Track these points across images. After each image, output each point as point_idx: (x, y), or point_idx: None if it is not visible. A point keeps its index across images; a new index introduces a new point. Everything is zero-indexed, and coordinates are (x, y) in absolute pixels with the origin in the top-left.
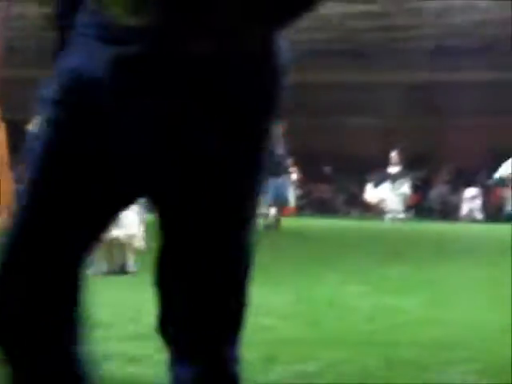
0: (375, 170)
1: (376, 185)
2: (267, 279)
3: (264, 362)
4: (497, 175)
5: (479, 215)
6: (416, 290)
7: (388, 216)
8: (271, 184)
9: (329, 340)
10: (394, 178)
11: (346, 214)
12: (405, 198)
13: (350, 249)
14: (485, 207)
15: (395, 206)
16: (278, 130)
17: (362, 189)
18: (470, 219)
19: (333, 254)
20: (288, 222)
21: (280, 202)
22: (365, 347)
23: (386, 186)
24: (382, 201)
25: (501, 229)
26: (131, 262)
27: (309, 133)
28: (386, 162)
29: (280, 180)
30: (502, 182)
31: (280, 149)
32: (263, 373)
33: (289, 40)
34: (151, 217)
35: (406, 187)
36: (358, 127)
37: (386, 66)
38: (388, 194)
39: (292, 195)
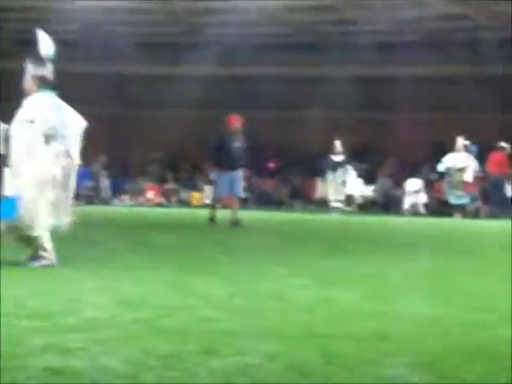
0: (320, 162)
1: (321, 175)
2: (209, 271)
3: (203, 354)
4: (440, 168)
5: (422, 209)
6: (357, 282)
7: (332, 209)
8: (226, 177)
9: (269, 332)
10: (336, 167)
11: (290, 207)
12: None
13: (293, 241)
14: (428, 201)
15: (339, 197)
16: (238, 123)
17: (306, 181)
18: (413, 212)
19: (275, 246)
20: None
21: (233, 195)
22: (304, 340)
23: (330, 177)
24: (326, 193)
25: (443, 222)
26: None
27: (253, 126)
28: (332, 150)
29: (235, 173)
30: (445, 175)
31: (238, 142)
32: (202, 365)
33: (237, 34)
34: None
35: (352, 178)
36: (304, 120)
37: (334, 60)
38: (332, 186)
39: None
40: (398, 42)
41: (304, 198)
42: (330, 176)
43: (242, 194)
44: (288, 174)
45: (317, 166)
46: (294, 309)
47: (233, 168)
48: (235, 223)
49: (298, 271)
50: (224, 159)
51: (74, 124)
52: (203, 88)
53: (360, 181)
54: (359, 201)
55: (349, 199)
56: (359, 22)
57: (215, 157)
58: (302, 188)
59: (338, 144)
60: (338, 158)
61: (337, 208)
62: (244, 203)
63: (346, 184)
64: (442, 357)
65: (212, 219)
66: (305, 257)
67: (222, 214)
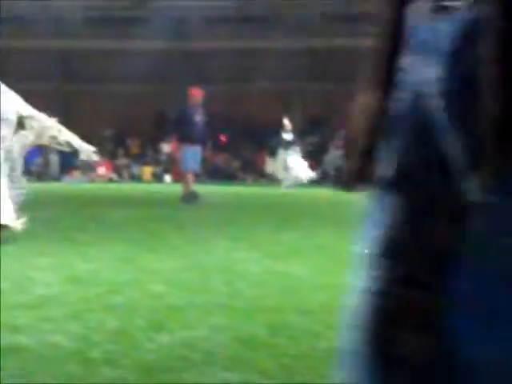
0: (271, 136)
1: (271, 152)
2: (158, 247)
3: (151, 329)
4: None
5: None
6: (306, 255)
7: (283, 183)
8: (189, 151)
9: (217, 306)
10: (287, 145)
11: (242, 181)
12: (299, 166)
13: (244, 215)
14: None
15: (290, 174)
16: (199, 97)
17: (257, 155)
18: None
19: (226, 221)
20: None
21: (195, 170)
22: (252, 312)
23: (280, 153)
24: (277, 169)
25: None
26: None
27: (203, 99)
28: (282, 128)
29: (197, 147)
30: None
31: (199, 116)
32: (150, 340)
33: (186, 7)
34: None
35: (298, 158)
36: (254, 93)
37: (281, 32)
38: (283, 163)
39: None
40: (348, 12)
41: (256, 171)
42: (280, 154)
43: (198, 170)
44: (239, 147)
45: (267, 140)
46: (242, 282)
47: (195, 142)
48: (188, 199)
49: (247, 245)
50: (187, 133)
51: (12, 107)
52: (152, 63)
53: (305, 163)
54: (304, 181)
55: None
56: None
57: (179, 131)
58: (253, 162)
59: (286, 122)
60: (289, 137)
61: (287, 182)
62: (196, 177)
63: (294, 165)
64: None
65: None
66: (255, 231)
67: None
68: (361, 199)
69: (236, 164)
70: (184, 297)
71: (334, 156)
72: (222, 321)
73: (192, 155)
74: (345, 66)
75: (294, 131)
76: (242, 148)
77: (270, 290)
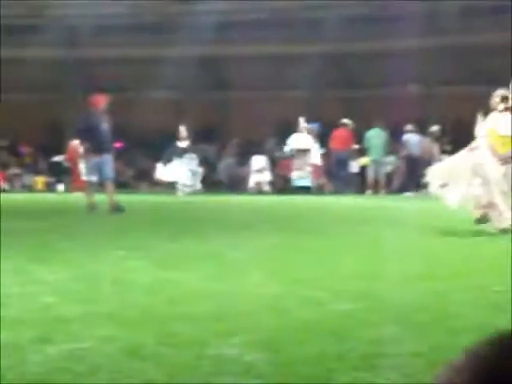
0: (165, 144)
1: (165, 161)
2: (50, 257)
3: (39, 341)
4: (286, 147)
5: (267, 187)
6: (197, 263)
7: (178, 191)
8: (96, 161)
9: (106, 316)
10: (183, 153)
11: (136, 189)
12: (194, 174)
13: (136, 224)
14: (272, 179)
15: (185, 181)
16: (102, 104)
17: (152, 164)
18: (258, 191)
19: (118, 229)
20: (75, 198)
21: (104, 180)
22: (141, 322)
23: (176, 162)
24: (172, 178)
25: (287, 200)
26: None
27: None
28: (176, 137)
29: (105, 156)
30: (291, 154)
31: (105, 124)
32: (37, 352)
33: (79, 15)
34: None
35: (195, 165)
36: (148, 101)
37: (175, 40)
38: (178, 170)
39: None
40: (239, 21)
41: (150, 180)
42: (175, 162)
43: (112, 175)
44: (133, 156)
45: (161, 147)
46: (132, 291)
47: (102, 150)
48: (115, 208)
49: (139, 254)
50: (93, 142)
51: None
52: (46, 71)
53: (200, 170)
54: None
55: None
56: (201, 1)
57: (84, 139)
58: (148, 170)
59: (182, 129)
60: (184, 144)
61: (182, 189)
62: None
63: (192, 172)
64: (278, 334)
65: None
66: (147, 239)
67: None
68: (252, 204)
69: (130, 172)
70: (73, 308)
71: (228, 163)
72: (109, 331)
73: (97, 164)
74: (237, 74)
75: (188, 139)
76: (136, 156)
77: (160, 299)
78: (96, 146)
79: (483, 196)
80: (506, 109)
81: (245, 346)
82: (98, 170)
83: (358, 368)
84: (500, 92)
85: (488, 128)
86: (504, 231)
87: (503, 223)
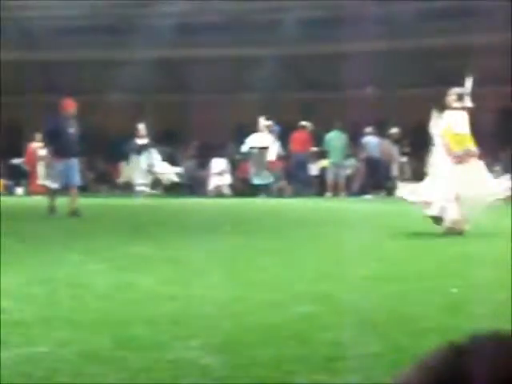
0: (125, 145)
1: (126, 158)
2: (5, 261)
3: None
4: (244, 147)
5: (227, 190)
6: (156, 266)
7: (138, 193)
8: (61, 165)
9: (62, 320)
10: (141, 150)
11: (96, 192)
12: (152, 170)
13: (95, 227)
14: (232, 182)
15: (144, 180)
16: (71, 108)
17: (112, 166)
18: (218, 193)
19: (77, 233)
20: (33, 201)
21: (69, 184)
22: (98, 326)
23: (135, 161)
24: (131, 177)
25: (247, 202)
26: None
27: (53, 110)
28: (136, 134)
29: (72, 160)
30: (249, 155)
31: (73, 128)
32: None
33: (35, 17)
34: None
35: (156, 160)
36: (108, 104)
37: (133, 42)
38: (138, 170)
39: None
40: (197, 23)
41: (109, 182)
42: (134, 160)
43: (79, 183)
44: (92, 159)
45: (121, 149)
46: (89, 295)
47: (68, 155)
48: (74, 213)
49: (97, 257)
50: (59, 145)
51: None
52: (3, 73)
53: (165, 163)
54: (166, 182)
55: (155, 182)
56: (158, 3)
57: (50, 143)
58: (106, 173)
59: (141, 127)
60: (142, 142)
61: (142, 192)
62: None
63: (152, 167)
64: (236, 337)
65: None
66: (106, 242)
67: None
68: (212, 207)
69: (90, 175)
70: (29, 311)
71: (187, 166)
72: (66, 335)
73: (62, 170)
74: (195, 76)
75: (147, 137)
76: (95, 159)
77: (118, 303)
78: (63, 149)
79: (437, 196)
80: (462, 107)
81: (203, 348)
82: (64, 175)
83: (317, 371)
84: (455, 90)
85: (443, 126)
86: (457, 232)
87: (456, 224)
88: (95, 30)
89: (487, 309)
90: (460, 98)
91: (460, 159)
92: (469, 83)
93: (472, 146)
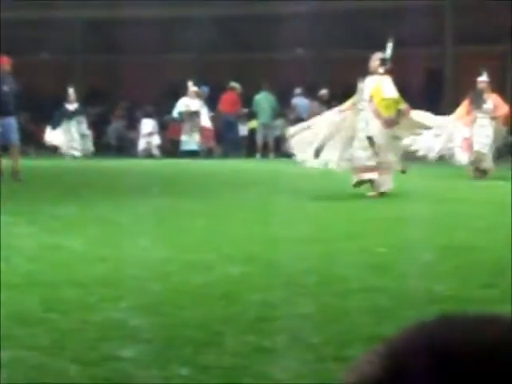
0: (54, 108)
1: (55, 124)
2: None
3: None
4: (174, 112)
5: (156, 151)
6: (84, 228)
7: (67, 155)
8: None
9: None
10: (72, 115)
11: (24, 154)
12: (84, 137)
13: (24, 190)
14: (162, 143)
15: (75, 144)
16: (6, 65)
17: (40, 127)
18: (147, 155)
19: (5, 195)
20: None
21: (8, 144)
22: (27, 288)
23: (64, 124)
24: (62, 142)
25: (176, 163)
26: None
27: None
28: (64, 99)
29: (7, 119)
30: (179, 118)
31: (7, 85)
32: None
33: None
34: None
35: (84, 127)
36: (35, 64)
37: (62, 2)
38: (68, 133)
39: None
40: None
41: (38, 144)
42: (64, 125)
43: (18, 141)
44: (20, 120)
45: (51, 113)
46: (18, 258)
47: (4, 113)
48: (16, 174)
49: (24, 219)
50: None
51: None
52: None
53: (89, 133)
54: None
55: (84, 146)
56: None
57: None
58: (36, 134)
59: (71, 92)
60: (73, 107)
61: (71, 154)
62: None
63: (82, 132)
64: (165, 299)
65: None
66: (33, 204)
67: None
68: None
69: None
70: None
71: (116, 127)
72: None
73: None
74: (125, 37)
75: (77, 101)
76: (23, 120)
77: (46, 265)
78: None
79: (365, 159)
80: (386, 71)
81: (131, 310)
82: (1, 134)
83: (246, 331)
84: (378, 55)
85: (370, 91)
86: (383, 194)
87: (384, 186)
88: None
89: (414, 269)
90: (383, 62)
91: (391, 123)
92: (389, 47)
93: (403, 106)
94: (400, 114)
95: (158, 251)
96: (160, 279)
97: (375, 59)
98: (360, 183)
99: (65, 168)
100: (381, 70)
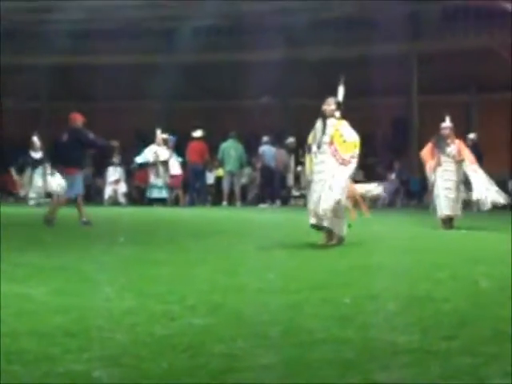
0: (19, 155)
1: (19, 170)
2: None
3: None
4: (139, 160)
5: (122, 198)
6: (47, 277)
7: (31, 201)
8: None
9: None
10: (37, 164)
11: None
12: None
13: None
14: (128, 190)
15: (39, 192)
16: None
17: (5, 175)
18: (113, 202)
19: None
20: None
21: None
22: None
23: (28, 172)
24: (26, 189)
25: (143, 211)
26: None
27: None
28: (30, 146)
29: None
30: (145, 165)
31: None
32: None
33: None
34: None
35: (49, 176)
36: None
37: (32, 48)
38: (32, 184)
39: None
40: (95, 30)
41: (3, 191)
42: (28, 173)
43: None
44: None
45: (16, 161)
46: None
47: None
48: None
49: None
50: None
51: None
52: None
53: (57, 176)
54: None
55: (49, 194)
56: (53, 10)
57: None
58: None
59: (35, 140)
60: (38, 155)
61: (36, 202)
62: None
63: (47, 182)
64: (128, 350)
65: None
66: None
67: None
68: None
69: None
70: None
71: (85, 174)
72: None
73: None
74: (93, 83)
75: (42, 149)
76: None
77: (7, 315)
78: None
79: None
80: (342, 116)
81: (94, 361)
82: None
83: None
84: (333, 100)
85: (330, 134)
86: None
87: (343, 231)
88: None
89: (378, 319)
90: (339, 106)
91: (347, 163)
92: (341, 91)
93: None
94: (353, 155)
95: (122, 301)
96: (124, 330)
97: (331, 103)
98: (319, 228)
99: (28, 215)
100: (337, 114)
